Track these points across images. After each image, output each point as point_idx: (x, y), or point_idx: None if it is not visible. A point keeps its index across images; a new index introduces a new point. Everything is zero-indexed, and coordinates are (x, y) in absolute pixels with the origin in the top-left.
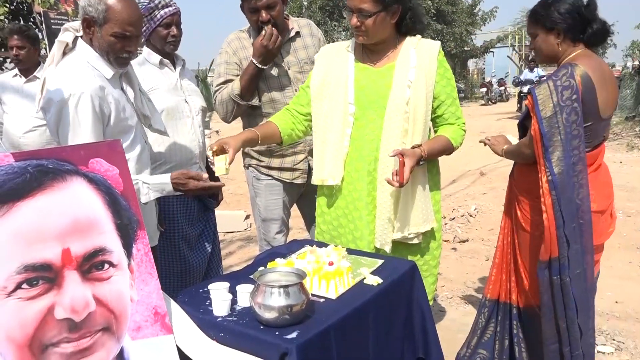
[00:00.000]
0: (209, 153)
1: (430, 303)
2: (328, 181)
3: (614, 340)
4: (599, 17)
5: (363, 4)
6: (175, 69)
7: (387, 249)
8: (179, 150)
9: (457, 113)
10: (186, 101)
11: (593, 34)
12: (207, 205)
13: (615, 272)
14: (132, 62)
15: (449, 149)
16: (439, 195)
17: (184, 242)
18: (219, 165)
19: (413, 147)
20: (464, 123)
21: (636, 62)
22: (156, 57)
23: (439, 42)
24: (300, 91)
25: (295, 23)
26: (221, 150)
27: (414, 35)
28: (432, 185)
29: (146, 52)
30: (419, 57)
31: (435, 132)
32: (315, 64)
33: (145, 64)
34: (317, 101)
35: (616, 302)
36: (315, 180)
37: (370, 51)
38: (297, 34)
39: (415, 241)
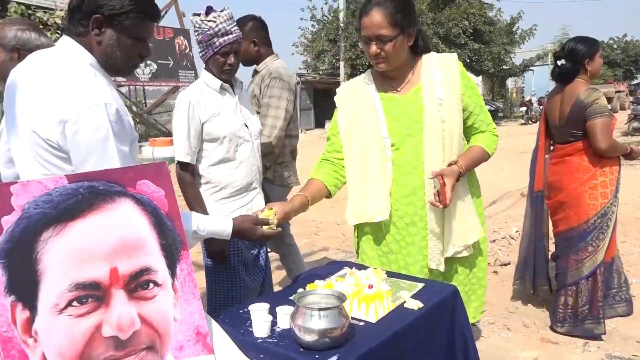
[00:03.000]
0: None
1: (479, 318)
2: (376, 218)
3: None
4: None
5: (381, 30)
6: (234, 92)
7: (442, 268)
8: (240, 175)
9: (486, 120)
10: (246, 125)
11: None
12: None
13: None
14: (192, 87)
15: (484, 158)
16: (481, 207)
17: (242, 266)
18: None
19: (450, 164)
20: (494, 128)
21: None
22: (216, 83)
23: (455, 54)
24: (331, 138)
25: (265, 66)
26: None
27: (427, 53)
28: (474, 197)
29: (206, 77)
30: (442, 73)
31: (468, 141)
32: (337, 105)
33: (206, 88)
34: (348, 142)
35: None
36: (361, 219)
37: (391, 78)
38: (256, 71)
39: (465, 254)
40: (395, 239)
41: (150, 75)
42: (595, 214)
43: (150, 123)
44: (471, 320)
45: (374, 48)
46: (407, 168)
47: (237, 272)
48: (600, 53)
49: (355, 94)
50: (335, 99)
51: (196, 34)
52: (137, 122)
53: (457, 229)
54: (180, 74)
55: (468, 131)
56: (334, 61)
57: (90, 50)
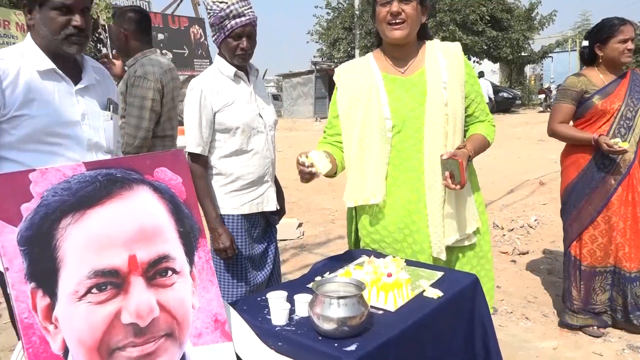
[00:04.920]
0: (304, 158)
1: (491, 311)
2: (371, 200)
3: None
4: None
5: None
6: (249, 81)
7: (443, 256)
8: (252, 168)
9: (485, 110)
10: (260, 115)
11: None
12: (270, 222)
13: None
14: (205, 74)
15: (486, 147)
16: (481, 196)
17: (249, 261)
18: (323, 162)
19: (459, 148)
20: (492, 118)
21: None
22: (230, 70)
23: (458, 43)
24: (332, 121)
25: (134, 61)
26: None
27: (430, 39)
28: (472, 186)
29: (219, 63)
30: (447, 59)
31: (466, 131)
32: (337, 85)
33: (219, 76)
34: (348, 123)
35: None
36: (359, 201)
37: (395, 59)
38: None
39: (466, 243)
40: (399, 228)
41: None
42: (561, 197)
43: None
44: None
45: (395, 7)
46: (409, 152)
47: (244, 267)
48: (620, 38)
49: (357, 74)
50: (335, 77)
51: (208, 16)
52: None
53: (456, 217)
54: (195, 63)
55: (468, 120)
56: (349, 49)
57: (35, 37)
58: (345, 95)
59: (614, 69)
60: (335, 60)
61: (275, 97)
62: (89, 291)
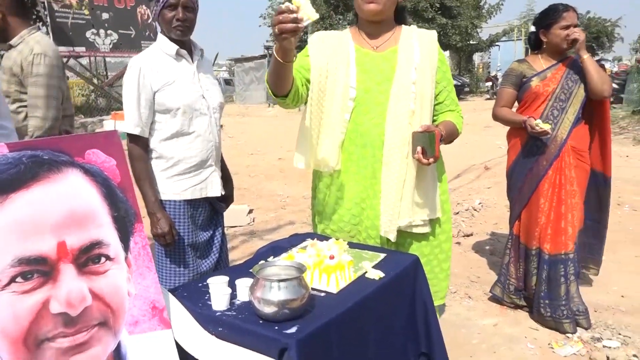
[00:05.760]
0: (288, 3)
1: (443, 302)
2: (328, 166)
3: (619, 334)
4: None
5: None
6: (192, 60)
7: (392, 237)
8: (195, 151)
9: (455, 100)
10: (203, 97)
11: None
12: (216, 209)
13: (622, 266)
14: (145, 52)
15: (456, 135)
16: (446, 185)
17: (192, 248)
18: (310, 8)
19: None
20: (461, 110)
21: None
22: (172, 48)
23: (435, 32)
24: (301, 57)
25: (21, 40)
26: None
27: (408, 25)
28: (438, 174)
29: (161, 41)
30: (421, 42)
31: (435, 120)
32: (309, 48)
33: (160, 54)
34: (316, 86)
35: (622, 296)
36: (311, 165)
37: (369, 34)
38: (10, 45)
39: (421, 230)
40: (356, 203)
41: (111, 46)
42: (506, 179)
43: (111, 96)
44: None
45: None
46: (367, 127)
47: (185, 255)
48: (563, 24)
49: (332, 41)
50: (309, 40)
51: None
52: (98, 95)
53: (415, 200)
54: (142, 45)
55: (438, 108)
56: (302, 34)
57: None
58: (317, 60)
59: (557, 55)
60: None
61: (227, 82)
62: (12, 280)
